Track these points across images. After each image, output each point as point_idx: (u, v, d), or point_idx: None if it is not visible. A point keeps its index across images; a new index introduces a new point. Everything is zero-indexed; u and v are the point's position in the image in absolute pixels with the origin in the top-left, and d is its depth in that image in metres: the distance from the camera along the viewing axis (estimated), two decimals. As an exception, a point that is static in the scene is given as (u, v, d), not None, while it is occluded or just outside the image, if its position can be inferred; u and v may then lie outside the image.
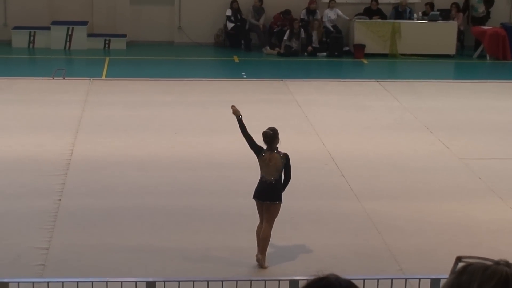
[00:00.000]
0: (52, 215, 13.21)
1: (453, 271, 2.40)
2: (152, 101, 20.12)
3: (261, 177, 12.10)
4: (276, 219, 11.87)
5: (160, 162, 15.93)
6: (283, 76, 23.32)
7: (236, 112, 12.59)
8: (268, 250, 11.83)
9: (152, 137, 17.44)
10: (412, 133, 18.03)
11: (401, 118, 19.15)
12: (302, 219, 13.46)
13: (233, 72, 24.73)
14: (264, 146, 12.13)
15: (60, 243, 12.26)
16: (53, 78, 21.89)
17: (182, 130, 17.92)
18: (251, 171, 15.46)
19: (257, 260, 11.71)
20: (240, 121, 12.51)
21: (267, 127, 12.29)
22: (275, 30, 26.91)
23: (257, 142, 12.24)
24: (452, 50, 26.72)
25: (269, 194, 11.89)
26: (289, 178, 12.07)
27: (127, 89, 21.31)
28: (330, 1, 27.14)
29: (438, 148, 17.06)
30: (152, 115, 18.98)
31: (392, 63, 26.16)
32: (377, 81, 22.62)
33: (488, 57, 26.54)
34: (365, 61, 26.02)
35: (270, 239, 11.70)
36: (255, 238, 11.83)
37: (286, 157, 12.03)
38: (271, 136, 12.08)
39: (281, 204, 11.83)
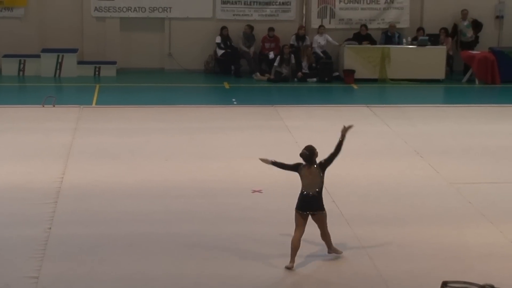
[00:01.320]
0: (42, 244, 13.12)
1: (438, 295, 2.39)
2: (143, 128, 20.11)
3: (303, 191, 12.71)
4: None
5: (151, 189, 15.88)
6: (274, 102, 23.36)
7: (266, 161, 13.13)
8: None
9: (143, 164, 17.42)
10: (403, 158, 18.05)
11: (392, 143, 19.16)
12: (287, 241, 13.37)
13: (223, 98, 24.75)
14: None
15: (50, 272, 12.15)
16: (43, 106, 21.89)
17: (172, 157, 17.91)
18: (241, 198, 15.49)
19: (290, 267, 12.36)
20: (275, 164, 13.08)
21: (304, 148, 12.87)
22: (269, 55, 26.95)
23: (287, 163, 12.94)
24: (441, 75, 26.83)
25: (315, 205, 12.62)
26: (337, 152, 13.05)
27: (117, 116, 21.30)
28: (319, 27, 27.27)
29: (428, 172, 17.06)
30: (143, 142, 18.95)
31: (382, 88, 26.23)
32: (367, 106, 22.66)
33: (477, 82, 26.64)
34: (355, 86, 26.09)
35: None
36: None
37: (320, 164, 12.84)
38: (308, 156, 12.77)
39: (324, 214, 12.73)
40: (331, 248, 12.88)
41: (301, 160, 12.81)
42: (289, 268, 12.38)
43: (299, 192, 12.69)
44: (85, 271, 12.23)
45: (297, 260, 12.65)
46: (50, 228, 13.81)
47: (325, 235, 12.77)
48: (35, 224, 13.93)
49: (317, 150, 12.77)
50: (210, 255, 12.96)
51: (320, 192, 12.68)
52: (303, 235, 12.53)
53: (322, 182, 12.77)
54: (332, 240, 12.78)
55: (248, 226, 14.11)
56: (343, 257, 13.00)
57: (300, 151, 12.83)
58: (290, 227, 14.02)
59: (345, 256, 13.04)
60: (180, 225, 14.15)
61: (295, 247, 12.47)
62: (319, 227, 12.72)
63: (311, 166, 12.78)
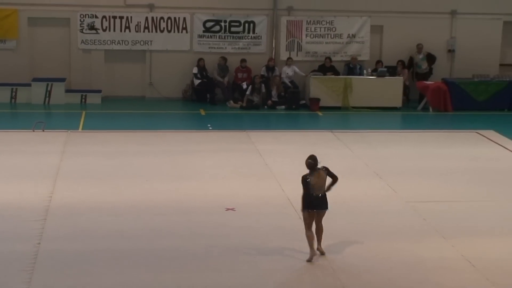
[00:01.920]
0: (32, 258, 13.03)
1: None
2: (125, 151, 20.06)
3: (311, 194, 13.41)
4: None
5: (133, 207, 15.81)
6: (246, 127, 23.36)
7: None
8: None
9: (125, 184, 17.36)
10: (364, 179, 18.10)
11: (353, 165, 19.19)
12: (263, 258, 13.39)
13: (199, 124, 24.72)
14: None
15: (40, 284, 12.07)
16: (33, 131, 21.78)
17: (153, 178, 17.85)
18: (215, 215, 15.46)
19: (310, 259, 13.27)
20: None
21: (308, 157, 13.57)
22: (241, 84, 26.98)
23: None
24: (398, 103, 26.97)
25: (324, 203, 13.50)
26: (336, 179, 13.69)
27: (102, 140, 21.22)
28: (287, 59, 27.36)
29: (387, 192, 17.11)
30: (125, 164, 18.90)
31: (344, 115, 26.29)
32: (331, 131, 22.71)
33: (431, 109, 26.78)
34: (320, 113, 26.15)
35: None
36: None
37: (325, 168, 13.58)
38: (314, 164, 13.47)
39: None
40: (320, 244, 13.52)
41: (306, 170, 13.50)
42: (309, 259, 13.24)
43: (305, 195, 13.40)
44: (72, 283, 12.17)
45: (265, 272, 12.66)
46: (39, 243, 13.73)
47: (319, 229, 13.52)
48: (26, 240, 13.84)
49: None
50: (186, 268, 12.93)
51: (324, 194, 13.50)
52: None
53: (325, 185, 13.56)
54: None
55: (222, 241, 14.08)
56: (309, 269, 13.00)
57: (306, 161, 13.50)
58: (260, 241, 14.06)
59: (311, 268, 13.04)
60: (158, 240, 14.10)
61: (311, 240, 13.32)
62: (318, 221, 13.51)
63: (319, 171, 13.49)
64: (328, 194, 13.44)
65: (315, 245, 13.40)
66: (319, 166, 13.50)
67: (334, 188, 13.67)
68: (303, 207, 13.45)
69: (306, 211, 13.40)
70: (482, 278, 12.74)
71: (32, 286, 11.96)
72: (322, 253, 13.53)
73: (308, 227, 13.38)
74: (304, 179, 13.50)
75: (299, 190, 17.12)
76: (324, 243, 13.83)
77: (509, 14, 28.28)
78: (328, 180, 13.57)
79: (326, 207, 13.51)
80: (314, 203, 13.41)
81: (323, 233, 13.58)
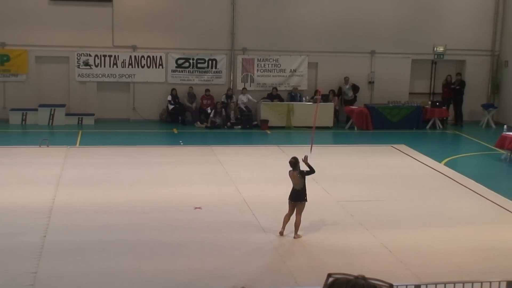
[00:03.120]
0: (39, 248, 12.94)
1: (325, 284, 2.41)
2: (114, 162, 19.95)
3: (293, 187, 13.90)
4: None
5: (119, 207, 15.74)
6: (210, 143, 23.37)
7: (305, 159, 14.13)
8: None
9: (114, 188, 17.27)
10: (303, 183, 18.16)
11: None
12: (224, 247, 13.39)
13: (172, 140, 24.64)
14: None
15: (45, 269, 12.00)
16: (40, 146, 21.61)
17: (135, 183, 17.77)
18: (186, 213, 15.42)
19: (281, 234, 13.85)
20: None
21: (291, 157, 14.05)
22: (206, 109, 26.97)
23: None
24: (330, 123, 27.13)
25: (298, 197, 13.83)
26: (313, 171, 13.99)
27: (95, 154, 21.10)
28: (242, 89, 27.43)
29: (322, 194, 17.18)
30: (114, 172, 18.79)
31: (288, 133, 26.38)
32: (278, 146, 22.79)
33: (356, 128, 26.98)
34: (268, 132, 26.22)
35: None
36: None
37: (301, 172, 13.86)
38: (293, 163, 13.88)
39: (305, 203, 13.87)
40: (296, 233, 13.83)
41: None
42: (280, 233, 13.81)
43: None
44: (72, 268, 12.11)
45: (224, 258, 12.64)
46: (45, 236, 13.64)
47: (297, 221, 13.80)
48: (34, 233, 13.74)
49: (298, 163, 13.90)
50: (162, 255, 12.89)
51: (302, 189, 13.81)
52: (290, 217, 13.89)
53: (303, 183, 13.83)
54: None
55: (191, 234, 14.06)
56: (259, 254, 13.00)
57: (289, 160, 13.97)
58: (224, 235, 14.04)
59: (261, 255, 13.04)
60: (140, 233, 14.05)
61: (285, 220, 13.86)
62: (296, 213, 13.82)
63: (294, 171, 13.85)
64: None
65: (285, 226, 13.88)
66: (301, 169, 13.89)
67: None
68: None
69: (288, 199, 13.95)
70: (397, 261, 12.86)
71: (40, 271, 11.89)
72: (298, 237, 13.86)
73: (289, 211, 13.91)
74: (289, 172, 14.00)
75: (253, 192, 17.25)
76: (272, 234, 13.88)
77: (416, 54, 28.61)
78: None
79: (302, 200, 13.81)
80: (292, 195, 13.90)
81: (299, 225, 13.83)
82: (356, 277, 2.41)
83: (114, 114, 27.31)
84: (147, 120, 27.29)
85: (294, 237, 13.85)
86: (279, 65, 28.01)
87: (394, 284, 2.38)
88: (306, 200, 13.90)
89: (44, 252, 12.78)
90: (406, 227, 14.90)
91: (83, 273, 11.93)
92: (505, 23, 28.66)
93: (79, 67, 26.88)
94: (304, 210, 14.21)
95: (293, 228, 13.93)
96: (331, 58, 28.06)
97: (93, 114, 26.79)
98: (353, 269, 9.08)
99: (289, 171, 14.03)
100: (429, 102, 28.07)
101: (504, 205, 16.77)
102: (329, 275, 2.46)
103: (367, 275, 2.39)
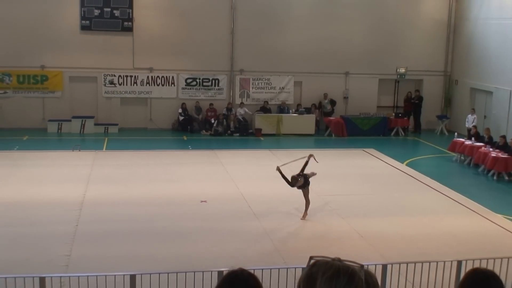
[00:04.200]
0: (72, 235, 12.91)
1: (307, 265, 2.36)
2: (134, 164, 19.89)
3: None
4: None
5: (139, 200, 15.69)
6: (213, 148, 23.30)
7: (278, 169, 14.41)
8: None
9: (134, 185, 17.20)
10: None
11: (284, 171, 19.21)
12: (221, 231, 13.35)
13: (183, 146, 24.57)
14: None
15: (78, 252, 11.94)
16: (73, 151, 21.53)
17: (152, 181, 17.72)
18: (194, 205, 15.36)
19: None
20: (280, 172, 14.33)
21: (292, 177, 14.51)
22: (210, 119, 26.90)
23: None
24: (312, 131, 27.09)
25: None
26: (286, 179, 14.28)
27: (118, 157, 21.03)
28: (240, 103, 27.38)
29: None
30: (134, 172, 18.72)
31: (278, 139, 26.34)
32: (269, 150, 22.75)
33: (333, 135, 26.95)
34: (262, 138, 26.18)
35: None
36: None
37: (304, 176, 14.43)
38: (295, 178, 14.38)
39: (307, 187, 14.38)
40: (304, 214, 14.29)
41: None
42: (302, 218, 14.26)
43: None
44: (100, 251, 12.07)
45: (223, 241, 12.58)
46: (77, 225, 13.59)
47: (307, 203, 14.33)
48: (68, 223, 13.69)
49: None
50: (174, 241, 12.85)
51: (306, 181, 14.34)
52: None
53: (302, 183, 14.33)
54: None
55: (199, 223, 14.01)
56: (254, 241, 12.93)
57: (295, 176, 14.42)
58: (225, 224, 13.97)
59: (255, 240, 12.98)
60: (156, 222, 14.02)
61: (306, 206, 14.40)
62: (304, 196, 14.35)
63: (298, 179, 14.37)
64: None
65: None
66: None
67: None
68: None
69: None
70: (367, 245, 12.82)
71: (73, 254, 11.84)
72: (305, 218, 14.36)
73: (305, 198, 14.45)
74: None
75: (249, 188, 17.19)
76: (264, 222, 13.82)
77: (382, 74, 28.62)
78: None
79: (303, 186, 14.37)
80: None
81: (308, 205, 14.50)
82: (333, 259, 2.36)
83: (134, 124, 27.22)
84: (162, 129, 27.22)
85: (302, 218, 14.34)
86: (270, 84, 27.99)
87: (364, 264, 2.33)
88: (307, 185, 14.50)
89: (76, 238, 12.73)
90: (375, 216, 14.89)
91: (108, 255, 11.87)
92: (455, 49, 28.73)
93: (105, 85, 26.79)
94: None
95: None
96: (313, 77, 28.06)
97: (117, 124, 26.69)
98: (331, 252, 9.04)
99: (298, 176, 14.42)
100: (393, 114, 28.07)
101: (456, 198, 16.78)
102: (311, 258, 2.41)
103: (342, 257, 2.34)
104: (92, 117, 26.45)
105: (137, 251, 12.12)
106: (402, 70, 28.70)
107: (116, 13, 26.23)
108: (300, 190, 14.44)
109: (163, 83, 27.25)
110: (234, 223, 14.07)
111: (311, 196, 14.68)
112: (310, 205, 14.45)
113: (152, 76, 27.09)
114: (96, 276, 9.20)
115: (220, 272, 8.77)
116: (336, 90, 28.37)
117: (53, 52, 26.18)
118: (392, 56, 28.41)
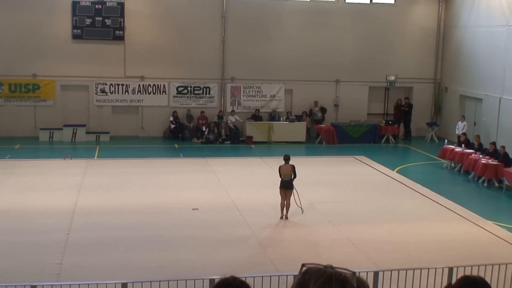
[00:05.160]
0: (63, 243, 12.84)
1: (299, 273, 2.35)
2: (126, 172, 19.83)
3: (282, 178, 14.71)
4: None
5: (131, 208, 15.64)
6: (204, 156, 23.28)
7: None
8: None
9: (126, 193, 17.15)
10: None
11: (274, 179, 19.14)
12: (213, 239, 13.31)
13: (174, 153, 24.54)
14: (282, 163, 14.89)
15: (69, 260, 11.88)
16: (64, 159, 21.46)
17: (144, 189, 17.67)
18: (185, 213, 15.31)
19: (281, 217, 14.72)
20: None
21: (284, 154, 15.10)
22: (201, 127, 26.89)
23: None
24: (303, 139, 27.11)
25: (289, 186, 14.68)
26: (295, 176, 14.74)
27: (110, 165, 20.96)
28: (231, 111, 27.38)
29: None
30: (126, 180, 18.66)
31: (268, 147, 26.36)
32: (260, 158, 22.75)
33: (324, 143, 26.97)
34: (253, 146, 26.18)
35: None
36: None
37: (292, 166, 14.69)
38: (287, 158, 14.86)
39: (292, 190, 14.70)
40: (286, 215, 14.65)
41: (282, 162, 14.87)
42: (281, 217, 14.67)
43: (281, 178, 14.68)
44: (91, 259, 12.00)
45: (215, 249, 12.54)
46: (68, 233, 13.52)
47: (288, 204, 14.65)
48: (59, 231, 13.63)
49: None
50: (166, 248, 12.80)
51: (290, 179, 14.61)
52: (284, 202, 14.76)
53: (291, 175, 14.62)
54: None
55: (190, 231, 13.98)
56: (245, 248, 12.90)
57: (284, 156, 14.87)
58: (217, 231, 13.94)
59: (247, 247, 12.95)
60: (148, 230, 13.97)
61: (282, 206, 14.73)
62: (287, 198, 14.63)
63: (287, 164, 14.68)
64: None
65: (284, 211, 14.71)
66: (290, 163, 14.66)
67: (294, 181, 14.77)
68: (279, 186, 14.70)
69: (279, 188, 14.69)
70: (359, 252, 12.82)
71: (64, 262, 11.77)
72: (286, 218, 14.70)
73: (281, 198, 14.70)
74: (279, 166, 14.80)
75: (240, 196, 17.18)
76: (256, 230, 13.81)
77: (372, 82, 28.71)
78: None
79: (291, 188, 14.62)
80: (283, 185, 14.64)
81: (289, 207, 14.76)
82: (325, 267, 2.36)
83: (126, 132, 27.15)
84: (153, 137, 27.16)
85: (287, 217, 14.69)
86: (261, 91, 28.01)
87: (356, 271, 2.32)
88: (293, 187, 14.66)
89: (68, 247, 12.66)
90: (366, 223, 14.90)
91: (100, 263, 11.82)
92: (444, 57, 28.88)
93: (97, 94, 26.73)
94: (284, 211, 14.23)
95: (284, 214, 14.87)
96: (304, 85, 28.11)
97: (108, 132, 26.62)
98: (323, 259, 9.04)
99: (281, 165, 14.77)
100: (383, 121, 28.15)
101: (446, 204, 16.82)
102: (303, 265, 2.40)
103: (334, 264, 2.33)
104: (83, 126, 26.37)
105: (128, 259, 12.06)
106: (392, 78, 28.81)
107: (108, 22, 26.21)
108: (287, 193, 14.75)
109: (154, 91, 27.23)
110: (225, 230, 14.04)
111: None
112: (290, 208, 14.96)
113: (143, 85, 27.06)
114: (88, 284, 9.15)
115: (212, 280, 8.76)
116: (327, 98, 28.43)
117: (45, 60, 26.12)
118: (382, 64, 28.52)
